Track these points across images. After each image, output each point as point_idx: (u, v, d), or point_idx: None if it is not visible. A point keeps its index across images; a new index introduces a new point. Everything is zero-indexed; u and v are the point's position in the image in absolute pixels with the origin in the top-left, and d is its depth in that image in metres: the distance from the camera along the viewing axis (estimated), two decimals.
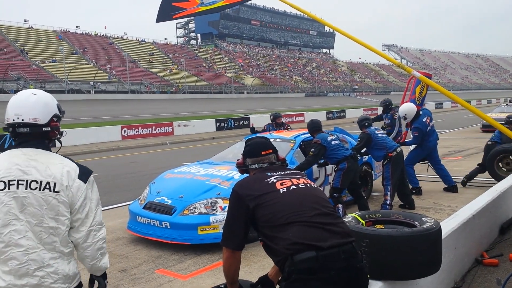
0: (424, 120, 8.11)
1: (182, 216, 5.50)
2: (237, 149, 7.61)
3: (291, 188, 2.35)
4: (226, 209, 5.09)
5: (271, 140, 7.15)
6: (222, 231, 2.45)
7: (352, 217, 3.35)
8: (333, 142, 6.48)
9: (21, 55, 60.98)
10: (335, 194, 6.49)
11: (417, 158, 8.40)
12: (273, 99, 71.87)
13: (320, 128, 6.72)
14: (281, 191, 2.32)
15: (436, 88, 3.61)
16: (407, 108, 8.19)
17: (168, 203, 5.72)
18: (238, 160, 2.71)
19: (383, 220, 3.37)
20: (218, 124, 29.14)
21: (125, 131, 24.06)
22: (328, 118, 36.55)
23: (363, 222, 3.30)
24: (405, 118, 8.22)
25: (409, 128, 8.44)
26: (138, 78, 66.44)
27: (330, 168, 6.95)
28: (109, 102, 52.10)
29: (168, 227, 5.47)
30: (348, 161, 6.42)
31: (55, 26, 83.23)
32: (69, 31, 78.56)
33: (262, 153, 2.60)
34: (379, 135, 7.13)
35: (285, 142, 7.10)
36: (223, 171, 6.31)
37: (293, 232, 2.15)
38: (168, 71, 75.02)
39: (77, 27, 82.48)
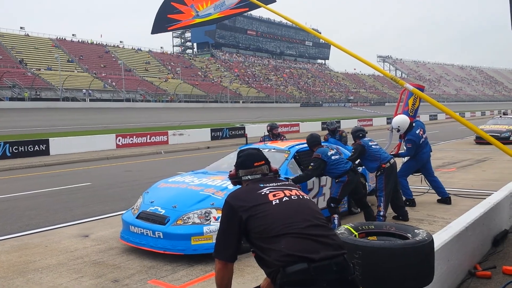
0: (417, 132, 8.13)
1: (175, 226, 5.46)
2: (231, 159, 7.53)
3: (283, 200, 2.35)
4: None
5: (266, 150, 6.97)
6: (215, 242, 2.44)
7: (345, 228, 3.36)
8: (333, 157, 6.52)
9: (20, 65, 60.81)
10: (332, 204, 6.51)
11: (410, 170, 8.41)
12: (268, 109, 72.04)
13: (320, 143, 6.78)
14: (274, 203, 2.32)
15: (428, 101, 3.65)
16: (400, 120, 8.21)
17: (161, 213, 5.67)
18: (230, 171, 2.71)
19: (376, 232, 3.38)
20: (213, 133, 29.14)
21: (119, 139, 24.00)
22: (323, 129, 36.58)
23: (356, 233, 3.31)
24: (398, 130, 8.23)
25: (402, 139, 8.47)
26: (133, 86, 66.45)
27: (324, 179, 6.95)
28: (104, 110, 52.02)
29: (161, 237, 5.43)
30: (348, 175, 6.48)
31: (51, 34, 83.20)
32: (65, 39, 78.60)
33: (254, 164, 2.61)
34: (373, 146, 7.17)
35: (280, 152, 7.08)
36: (217, 181, 6.26)
37: (285, 244, 2.15)
38: (164, 80, 75.09)
39: (73, 35, 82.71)
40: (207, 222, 5.44)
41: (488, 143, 15.52)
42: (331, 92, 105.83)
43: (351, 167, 6.62)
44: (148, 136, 25.59)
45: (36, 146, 20.41)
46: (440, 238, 4.01)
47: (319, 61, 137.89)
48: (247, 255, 5.31)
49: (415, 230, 3.27)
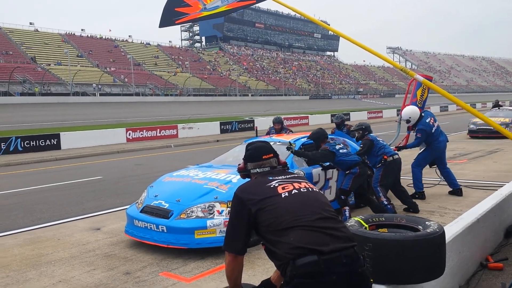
0: (427, 121, 8.01)
1: (179, 220, 5.45)
2: (237, 152, 7.57)
3: (292, 192, 2.35)
4: (223, 213, 4.94)
5: (271, 143, 7.02)
6: (224, 235, 2.45)
7: (355, 221, 3.35)
8: (341, 150, 6.52)
9: (31, 61, 61.21)
10: (342, 196, 6.51)
11: (426, 161, 8.23)
12: (277, 101, 71.91)
13: (327, 137, 6.75)
14: (283, 195, 2.32)
15: (439, 91, 3.61)
16: (411, 111, 8.12)
17: (165, 207, 5.67)
18: (239, 165, 2.70)
19: (387, 224, 3.37)
20: (222, 126, 29.18)
21: (130, 133, 24.14)
22: (332, 121, 36.54)
23: (367, 226, 3.30)
24: (408, 121, 8.14)
25: (412, 131, 8.37)
26: (143, 81, 66.66)
27: (330, 172, 6.92)
28: (114, 104, 52.29)
29: (165, 231, 5.43)
30: (360, 167, 6.47)
31: (60, 29, 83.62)
32: (74, 34, 78.97)
33: (263, 157, 2.61)
34: (380, 141, 7.19)
35: (285, 145, 7.02)
36: (221, 174, 6.23)
37: (295, 237, 2.15)
38: (173, 74, 75.19)
39: (82, 30, 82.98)
40: (211, 216, 5.43)
41: (482, 137, 15.42)
42: (340, 84, 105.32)
43: (362, 160, 6.61)
44: (158, 130, 25.70)
45: (48, 140, 20.60)
46: (452, 230, 3.99)
47: (328, 53, 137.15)
48: (257, 248, 5.32)
49: (426, 222, 3.25)
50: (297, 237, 2.15)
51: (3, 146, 19.16)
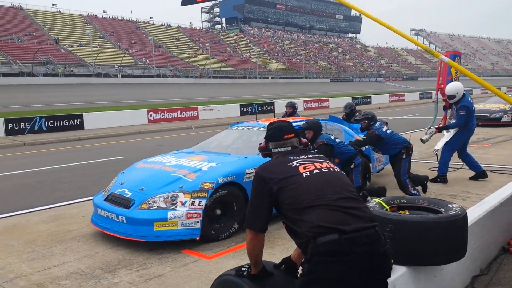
0: (469, 99, 7.66)
1: (139, 211, 5.10)
2: (222, 137, 7.33)
3: (314, 172, 2.36)
4: (187, 204, 4.84)
5: (255, 128, 6.61)
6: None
7: (376, 202, 3.35)
8: (337, 140, 6.25)
9: (54, 43, 61.92)
10: (361, 193, 6.14)
11: (460, 142, 7.85)
12: (297, 84, 71.45)
13: (321, 130, 6.29)
14: (304, 175, 2.33)
15: (464, 72, 3.55)
16: (458, 86, 7.62)
17: (127, 196, 5.35)
18: (260, 144, 2.71)
19: (408, 206, 3.36)
20: (242, 108, 29.20)
21: (151, 115, 24.38)
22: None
23: (387, 207, 3.30)
24: (453, 97, 7.67)
25: (449, 109, 7.94)
26: (163, 62, 66.90)
27: None
28: (135, 86, 52.72)
29: (124, 221, 5.11)
30: (359, 156, 6.33)
31: (82, 10, 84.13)
32: (96, 15, 79.42)
33: (284, 136, 2.61)
34: (388, 131, 6.81)
35: (263, 131, 6.29)
36: (194, 161, 5.86)
37: (316, 215, 2.16)
38: (193, 56, 75.22)
39: (103, 11, 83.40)
40: (173, 206, 5.05)
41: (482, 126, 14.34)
42: (362, 67, 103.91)
43: (357, 150, 6.50)
44: (179, 111, 25.87)
45: (71, 120, 20.96)
46: (474, 213, 3.96)
47: (350, 35, 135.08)
48: (277, 227, 5.37)
49: (449, 205, 3.23)
50: (319, 216, 2.16)
51: (28, 126, 19.57)
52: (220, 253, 4.91)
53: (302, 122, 6.60)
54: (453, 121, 7.81)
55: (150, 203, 5.11)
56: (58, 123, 20.49)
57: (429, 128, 8.24)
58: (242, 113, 28.81)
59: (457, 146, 7.90)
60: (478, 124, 16.55)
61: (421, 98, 45.81)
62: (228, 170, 5.48)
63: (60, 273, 4.51)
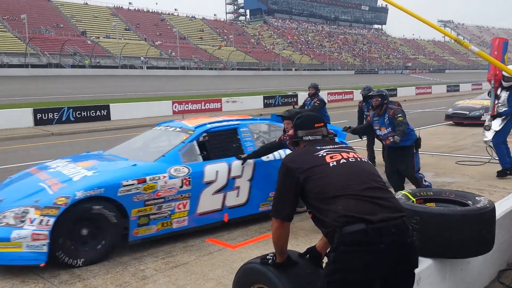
0: None
1: None
2: (140, 138, 6.70)
3: (341, 162, 2.35)
4: (35, 222, 4.22)
5: (170, 129, 5.86)
6: (272, 203, 2.49)
7: (402, 194, 3.33)
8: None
9: (83, 36, 62.92)
10: None
11: (507, 132, 7.55)
12: (321, 76, 70.84)
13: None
14: (331, 165, 2.33)
15: (495, 63, 3.48)
16: None
17: None
18: (288, 132, 2.73)
19: (435, 198, 3.34)
20: (265, 100, 29.19)
21: (176, 106, 24.62)
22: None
23: (414, 199, 3.28)
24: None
25: (498, 99, 7.61)
26: (188, 54, 67.26)
27: (238, 168, 5.39)
28: (160, 78, 53.18)
29: None
30: None
31: (108, 2, 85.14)
32: (122, 7, 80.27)
33: (315, 125, 2.62)
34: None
35: (180, 132, 5.64)
36: (78, 168, 5.04)
37: (343, 205, 2.16)
38: (217, 47, 75.40)
39: (129, 3, 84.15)
40: (21, 224, 4.25)
41: (459, 124, 13.85)
42: (387, 59, 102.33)
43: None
44: (203, 103, 26.05)
45: (98, 111, 21.33)
46: (502, 207, 3.90)
47: (376, 26, 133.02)
48: (301, 219, 5.40)
49: (476, 197, 3.19)
50: (345, 205, 2.16)
51: (56, 116, 20.00)
52: (244, 242, 4.97)
53: (235, 121, 5.91)
54: (505, 109, 7.52)
55: (0, 219, 4.35)
56: (85, 113, 20.88)
57: (488, 115, 7.87)
58: (266, 105, 28.80)
59: (505, 136, 7.60)
60: (454, 122, 15.64)
61: (448, 91, 44.88)
62: (95, 182, 4.53)
63: None
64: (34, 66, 49.23)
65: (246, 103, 28.02)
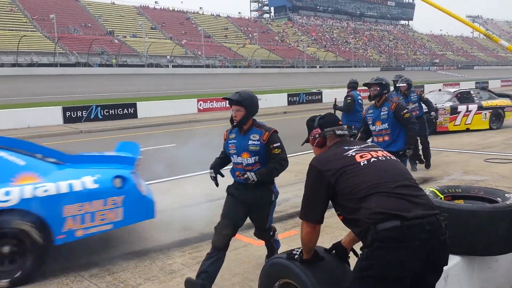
0: None
1: None
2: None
3: (371, 161, 2.34)
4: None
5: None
6: (301, 205, 2.47)
7: (430, 191, 3.31)
8: None
9: (110, 35, 64.00)
10: None
11: None
12: (346, 73, 70.09)
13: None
14: (362, 163, 2.32)
15: None
16: None
17: None
18: (312, 131, 2.68)
19: (463, 196, 3.31)
20: (290, 98, 29.13)
21: (201, 104, 24.83)
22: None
23: (442, 196, 3.26)
24: None
25: None
26: (212, 52, 67.62)
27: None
28: (185, 76, 53.66)
29: None
30: None
31: (135, 1, 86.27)
32: (148, 6, 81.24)
33: (339, 122, 2.64)
34: None
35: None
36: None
37: (376, 202, 2.16)
38: (241, 45, 75.57)
39: (155, 2, 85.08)
40: None
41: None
42: (414, 55, 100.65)
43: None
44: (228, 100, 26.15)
45: (125, 109, 21.70)
46: None
47: (402, 22, 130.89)
48: (326, 216, 5.38)
49: (506, 194, 3.15)
50: (378, 202, 2.15)
51: (85, 114, 20.44)
52: None
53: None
54: None
55: None
56: (113, 111, 21.26)
57: None
58: (290, 103, 28.75)
59: None
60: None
61: (476, 87, 43.88)
62: None
63: (117, 253, 4.75)
64: (63, 65, 50.34)
65: (270, 100, 28.00)
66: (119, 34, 65.28)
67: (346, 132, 2.59)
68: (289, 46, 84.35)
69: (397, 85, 8.72)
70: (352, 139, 2.65)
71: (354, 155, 2.37)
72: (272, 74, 63.48)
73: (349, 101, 8.92)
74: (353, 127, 2.92)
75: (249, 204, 3.81)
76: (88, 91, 37.53)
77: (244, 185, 3.76)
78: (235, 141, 3.88)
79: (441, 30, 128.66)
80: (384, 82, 5.56)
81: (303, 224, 2.44)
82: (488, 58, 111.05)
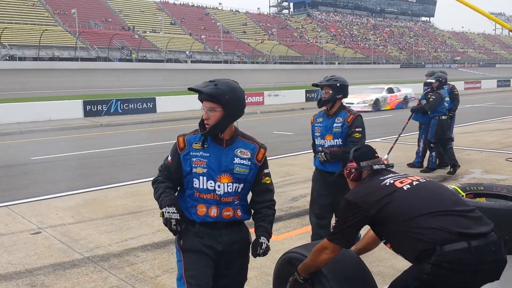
0: None
1: None
2: None
3: (414, 184, 2.28)
4: None
5: None
6: (333, 229, 2.37)
7: (452, 188, 3.27)
8: None
9: (131, 31, 64.55)
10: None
11: None
12: (365, 70, 69.66)
13: None
14: (405, 188, 2.25)
15: None
16: None
17: None
18: (348, 165, 2.57)
19: (485, 193, 3.26)
20: (307, 94, 29.02)
21: None
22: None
23: (464, 194, 3.21)
24: None
25: None
26: (231, 48, 67.68)
27: None
28: (203, 71, 53.82)
29: None
30: None
31: None
32: (168, 1, 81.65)
33: (375, 155, 2.56)
34: None
35: None
36: None
37: (436, 222, 2.09)
38: (260, 41, 75.45)
39: None
40: None
41: None
42: (435, 52, 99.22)
43: None
44: (246, 96, 26.11)
45: (144, 104, 21.91)
46: None
47: (423, 18, 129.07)
48: None
49: None
50: (438, 222, 2.09)
51: (105, 108, 20.69)
52: (287, 234, 5.01)
53: None
54: None
55: None
56: (132, 105, 21.48)
57: None
58: (308, 99, 28.63)
59: None
60: None
61: (498, 86, 43.10)
62: None
63: (136, 245, 4.80)
64: (83, 59, 50.95)
65: (288, 96, 27.98)
66: (139, 29, 65.77)
67: (383, 167, 2.50)
68: (308, 42, 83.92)
69: (427, 80, 8.48)
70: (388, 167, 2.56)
71: (393, 183, 2.30)
72: (290, 70, 63.28)
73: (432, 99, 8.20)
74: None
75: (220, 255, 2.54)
76: (108, 85, 37.96)
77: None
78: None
79: (462, 27, 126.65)
80: (339, 84, 4.16)
81: (326, 243, 2.38)
82: (510, 56, 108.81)
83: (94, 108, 20.43)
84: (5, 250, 4.75)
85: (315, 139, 4.25)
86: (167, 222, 2.30)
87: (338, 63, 75.81)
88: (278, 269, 2.83)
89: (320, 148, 4.12)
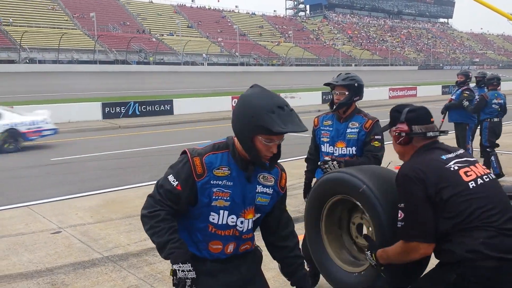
0: None
1: None
2: None
3: (479, 183, 2.03)
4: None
5: None
6: (402, 226, 2.04)
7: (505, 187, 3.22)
8: None
9: (148, 33, 65.23)
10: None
11: None
12: (382, 72, 69.12)
13: None
14: (471, 186, 2.00)
15: None
16: None
17: None
18: (397, 126, 2.24)
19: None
20: (324, 96, 28.90)
21: (235, 101, 24.88)
22: (443, 93, 34.31)
23: None
24: None
25: None
26: (247, 51, 67.87)
27: None
28: (220, 74, 54.08)
29: None
30: None
31: (172, 0, 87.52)
32: (185, 5, 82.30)
33: (431, 120, 2.24)
34: None
35: None
36: None
37: (484, 239, 1.93)
38: (276, 43, 75.49)
39: (192, 0, 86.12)
40: None
41: None
42: (453, 54, 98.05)
43: None
44: None
45: (162, 106, 22.06)
46: None
47: (441, 20, 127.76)
48: None
49: None
50: (486, 240, 1.93)
51: (123, 110, 20.89)
52: (302, 236, 4.98)
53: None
54: None
55: None
56: (150, 108, 21.66)
57: None
58: (324, 101, 28.51)
59: None
60: None
61: None
62: None
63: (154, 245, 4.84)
64: (102, 62, 51.65)
65: (304, 98, 27.92)
66: (156, 33, 66.42)
67: (437, 134, 2.20)
68: (324, 44, 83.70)
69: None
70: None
71: (458, 170, 2.04)
72: (307, 72, 63.16)
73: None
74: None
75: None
76: (126, 88, 38.36)
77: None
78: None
79: (481, 28, 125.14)
80: (357, 84, 3.59)
81: (412, 246, 2.03)
82: None
83: (112, 110, 20.65)
84: (26, 249, 4.84)
85: (321, 146, 3.59)
86: (179, 283, 1.88)
87: (355, 65, 75.42)
88: (314, 191, 2.68)
89: (328, 157, 3.47)
